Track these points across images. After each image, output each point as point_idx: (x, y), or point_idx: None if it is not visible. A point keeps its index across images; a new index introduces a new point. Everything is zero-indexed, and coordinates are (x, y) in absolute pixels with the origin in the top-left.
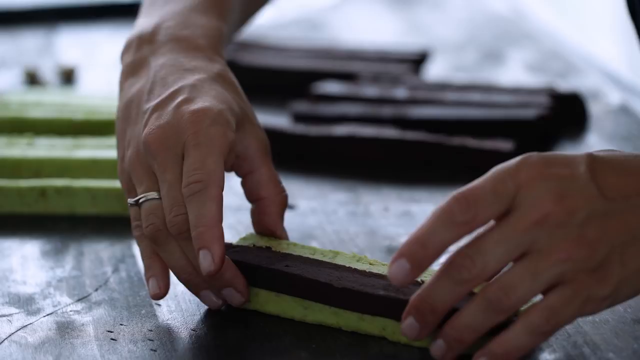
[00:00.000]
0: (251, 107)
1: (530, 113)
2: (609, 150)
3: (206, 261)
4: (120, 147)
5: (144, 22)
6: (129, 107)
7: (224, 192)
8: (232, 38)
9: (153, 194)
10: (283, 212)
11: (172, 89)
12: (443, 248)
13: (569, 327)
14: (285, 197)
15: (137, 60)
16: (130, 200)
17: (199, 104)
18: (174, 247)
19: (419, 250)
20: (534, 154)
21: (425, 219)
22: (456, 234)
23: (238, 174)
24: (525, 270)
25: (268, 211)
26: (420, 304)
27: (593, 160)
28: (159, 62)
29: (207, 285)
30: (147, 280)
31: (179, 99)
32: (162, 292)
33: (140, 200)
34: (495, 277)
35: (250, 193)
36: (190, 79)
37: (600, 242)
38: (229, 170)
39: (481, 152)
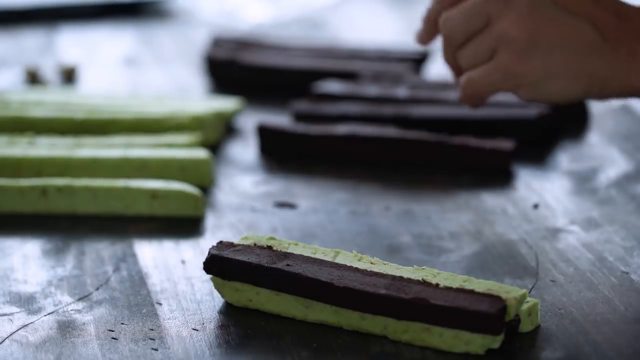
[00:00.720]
0: None
1: (531, 112)
2: None
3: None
4: None
5: None
6: None
7: (224, 192)
8: None
9: None
10: None
11: None
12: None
13: (570, 326)
14: None
15: None
16: None
17: None
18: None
19: (423, 25)
20: None
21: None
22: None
23: None
24: (477, 38)
25: None
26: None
27: None
28: None
29: None
30: None
31: None
32: None
33: None
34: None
35: None
36: None
37: (534, 33)
38: None
39: (482, 151)
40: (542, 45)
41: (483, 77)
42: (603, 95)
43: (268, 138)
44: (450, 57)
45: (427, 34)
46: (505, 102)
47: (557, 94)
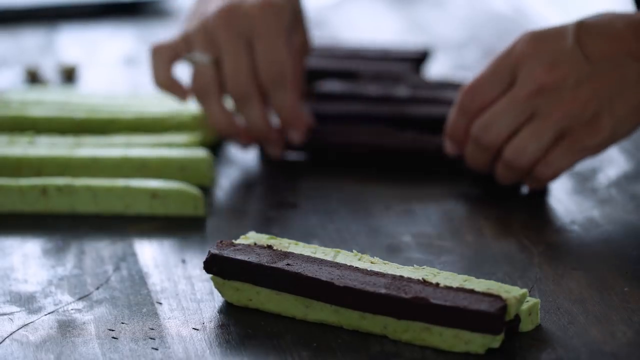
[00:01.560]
0: (303, 8)
1: None
2: (598, 14)
3: (295, 135)
4: (188, 21)
5: None
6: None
7: (224, 192)
8: None
9: (205, 57)
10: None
11: None
12: (463, 133)
13: (570, 326)
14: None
15: None
16: (191, 56)
17: None
18: (218, 104)
19: (452, 139)
20: (526, 33)
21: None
22: (468, 116)
23: None
24: (530, 132)
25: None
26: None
27: (580, 28)
28: None
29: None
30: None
31: None
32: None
33: (193, 59)
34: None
35: None
36: None
37: (591, 99)
38: None
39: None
40: (603, 105)
41: (562, 161)
42: None
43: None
44: (487, 161)
45: (458, 146)
46: None
47: (627, 132)
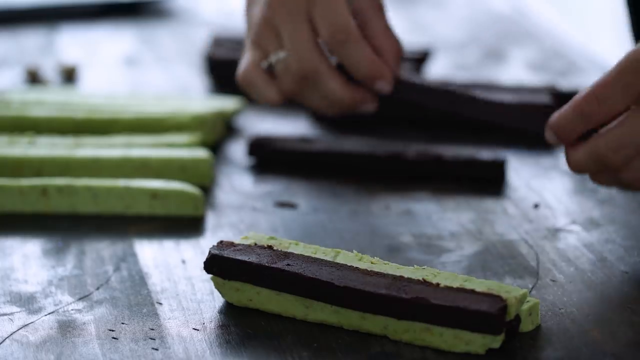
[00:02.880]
0: None
1: (543, 99)
2: None
3: (385, 86)
4: (247, 30)
5: None
6: None
7: (224, 192)
8: None
9: (282, 54)
10: (398, 61)
11: None
12: (576, 136)
13: (570, 326)
14: (400, 47)
15: None
16: (270, 60)
17: None
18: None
19: (558, 134)
20: None
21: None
22: (588, 125)
23: None
24: None
25: (383, 60)
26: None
27: None
28: None
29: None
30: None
31: None
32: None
33: (274, 60)
34: None
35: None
36: None
37: None
38: None
39: (474, 162)
40: None
41: None
42: None
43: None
44: (610, 180)
45: (562, 142)
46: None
47: None
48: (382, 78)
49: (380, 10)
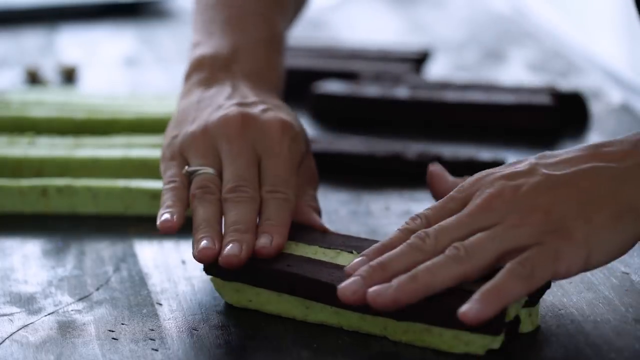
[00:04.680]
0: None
1: (544, 99)
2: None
3: (266, 241)
4: (176, 125)
5: (213, 44)
6: (203, 101)
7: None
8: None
9: (210, 170)
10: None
11: (257, 99)
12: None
13: (570, 327)
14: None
15: (213, 78)
16: (189, 169)
17: (283, 115)
18: (216, 207)
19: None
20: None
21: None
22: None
23: None
24: (482, 234)
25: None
26: (373, 265)
27: (538, 157)
28: (234, 82)
29: (219, 237)
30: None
31: (265, 106)
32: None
33: (199, 172)
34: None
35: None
36: (273, 100)
37: (554, 205)
38: None
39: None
40: (570, 210)
41: (538, 261)
42: None
43: None
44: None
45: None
46: (506, 102)
47: (616, 245)
48: (271, 235)
49: (313, 189)
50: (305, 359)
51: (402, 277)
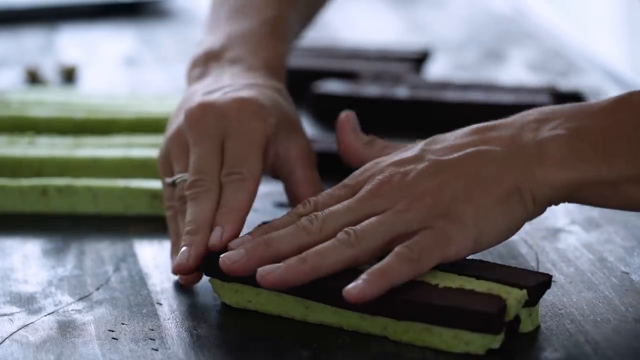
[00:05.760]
0: (298, 115)
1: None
2: None
3: (216, 235)
4: (167, 130)
5: (211, 39)
6: (187, 100)
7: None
8: (291, 50)
9: (186, 176)
10: None
11: (227, 83)
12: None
13: (570, 326)
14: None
15: (202, 73)
16: (168, 180)
17: (245, 93)
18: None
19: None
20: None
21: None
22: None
23: (279, 177)
24: (372, 219)
25: None
26: (259, 243)
27: (426, 142)
28: (221, 71)
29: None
30: (174, 252)
31: (229, 88)
32: (190, 263)
33: (177, 181)
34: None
35: (289, 193)
36: (250, 80)
37: (441, 190)
38: (272, 175)
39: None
40: (457, 193)
41: (427, 244)
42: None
43: None
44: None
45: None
46: (506, 102)
47: (499, 226)
48: (222, 226)
49: (305, 160)
50: (305, 359)
51: (292, 259)
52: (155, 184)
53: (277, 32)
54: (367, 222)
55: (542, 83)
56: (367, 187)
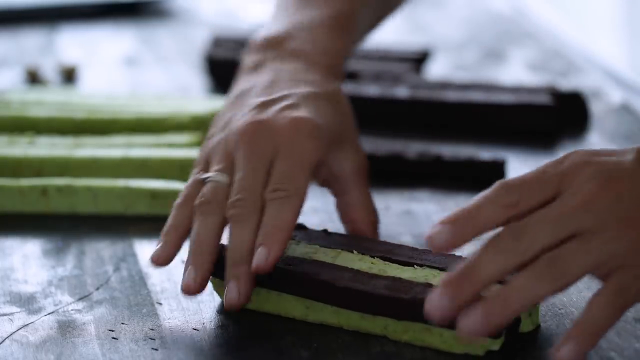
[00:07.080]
0: (355, 129)
1: (543, 99)
2: None
3: (261, 257)
4: (214, 126)
5: (274, 26)
6: (241, 96)
7: None
8: (355, 50)
9: (223, 177)
10: (373, 233)
11: (282, 93)
12: (487, 225)
13: (570, 326)
14: (374, 223)
15: (260, 61)
16: (199, 176)
17: (301, 112)
18: (213, 222)
19: (464, 221)
20: (579, 150)
21: (472, 200)
22: (502, 214)
23: (332, 193)
24: (577, 245)
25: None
26: (461, 274)
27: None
28: (279, 66)
29: (210, 266)
30: (165, 245)
31: (284, 103)
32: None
33: (209, 179)
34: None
35: (343, 214)
36: (303, 89)
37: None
38: (320, 185)
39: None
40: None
41: (627, 288)
42: None
43: None
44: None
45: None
46: (506, 102)
47: None
48: (269, 247)
49: (360, 179)
50: (305, 359)
51: (492, 299)
52: (155, 184)
53: (344, 27)
54: (570, 249)
55: (542, 83)
56: (578, 196)
